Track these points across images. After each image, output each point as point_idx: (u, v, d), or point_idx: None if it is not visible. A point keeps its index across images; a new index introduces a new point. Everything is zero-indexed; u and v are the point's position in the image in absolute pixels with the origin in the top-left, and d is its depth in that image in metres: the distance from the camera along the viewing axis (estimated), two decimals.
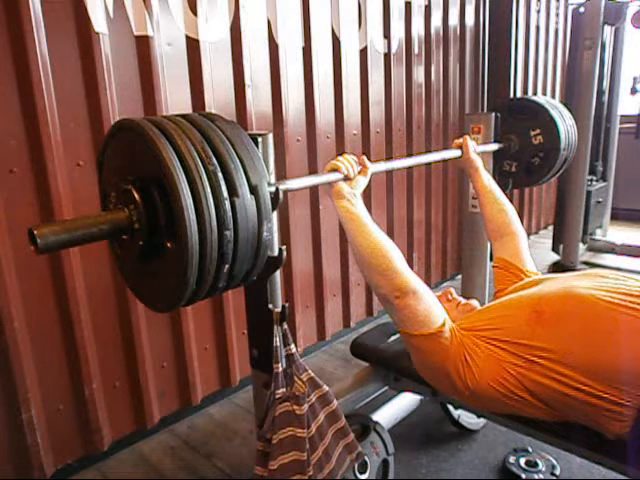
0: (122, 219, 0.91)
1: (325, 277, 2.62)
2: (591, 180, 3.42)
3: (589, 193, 3.34)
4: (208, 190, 0.86)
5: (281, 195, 1.04)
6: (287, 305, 1.13)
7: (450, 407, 1.92)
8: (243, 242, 0.92)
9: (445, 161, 3.03)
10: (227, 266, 0.91)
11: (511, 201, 1.64)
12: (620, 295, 1.09)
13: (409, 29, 2.88)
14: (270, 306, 1.14)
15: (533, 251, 1.52)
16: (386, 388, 1.74)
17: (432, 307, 1.19)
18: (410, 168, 3.04)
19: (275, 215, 1.05)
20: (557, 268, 3.42)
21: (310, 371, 1.18)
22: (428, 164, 3.16)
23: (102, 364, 1.82)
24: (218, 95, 2.01)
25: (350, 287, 2.79)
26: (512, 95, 3.50)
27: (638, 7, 3.60)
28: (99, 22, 1.62)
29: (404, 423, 1.87)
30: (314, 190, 2.47)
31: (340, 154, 1.28)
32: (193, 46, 1.90)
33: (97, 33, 1.62)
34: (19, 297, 1.58)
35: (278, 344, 1.12)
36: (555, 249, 3.57)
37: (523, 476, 1.72)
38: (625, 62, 3.62)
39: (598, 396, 1.04)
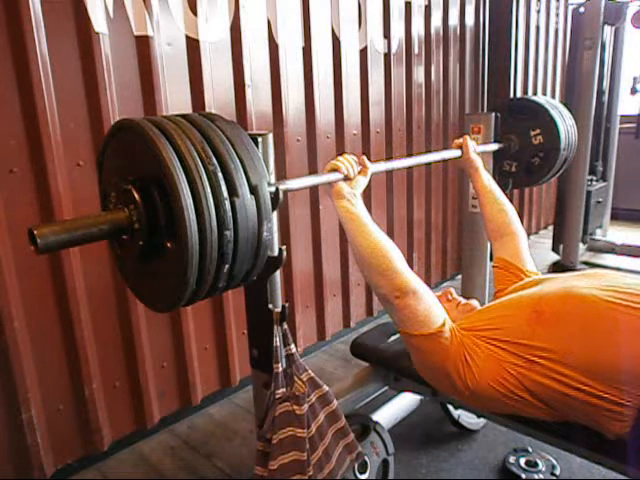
0: (122, 219, 0.91)
1: (325, 277, 2.62)
2: (591, 180, 3.42)
3: (589, 193, 3.34)
4: (208, 190, 0.86)
5: (281, 195, 1.04)
6: (287, 305, 1.13)
7: (450, 407, 1.92)
8: (243, 242, 0.92)
9: (445, 161, 3.03)
10: (227, 266, 0.91)
11: (511, 201, 1.64)
12: (620, 295, 1.09)
13: (409, 29, 2.88)
14: (270, 306, 1.14)
15: (533, 251, 1.52)
16: (386, 388, 1.74)
17: (432, 307, 1.19)
18: (410, 168, 3.04)
19: (275, 215, 1.05)
20: (557, 268, 3.42)
21: (310, 371, 1.18)
22: (428, 164, 3.16)
23: (102, 364, 1.82)
24: (218, 95, 2.01)
25: (350, 287, 2.79)
26: (512, 95, 3.50)
27: (638, 7, 3.60)
28: (99, 22, 1.62)
29: (404, 423, 1.87)
30: (314, 190, 2.46)
31: (340, 154, 1.28)
32: (193, 46, 1.90)
33: (97, 33, 1.62)
34: (19, 297, 1.58)
35: (278, 344, 1.12)
36: (555, 249, 3.57)
37: (523, 476, 1.72)
38: (625, 62, 3.62)
39: (598, 396, 1.04)
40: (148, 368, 1.94)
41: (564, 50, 4.46)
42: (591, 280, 1.18)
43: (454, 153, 1.68)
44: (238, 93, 2.08)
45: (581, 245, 3.52)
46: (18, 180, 1.54)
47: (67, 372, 1.74)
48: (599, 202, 3.51)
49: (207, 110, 1.95)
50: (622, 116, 3.90)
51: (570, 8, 4.10)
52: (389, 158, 2.81)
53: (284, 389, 1.12)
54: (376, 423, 1.62)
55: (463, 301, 1.43)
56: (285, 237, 2.36)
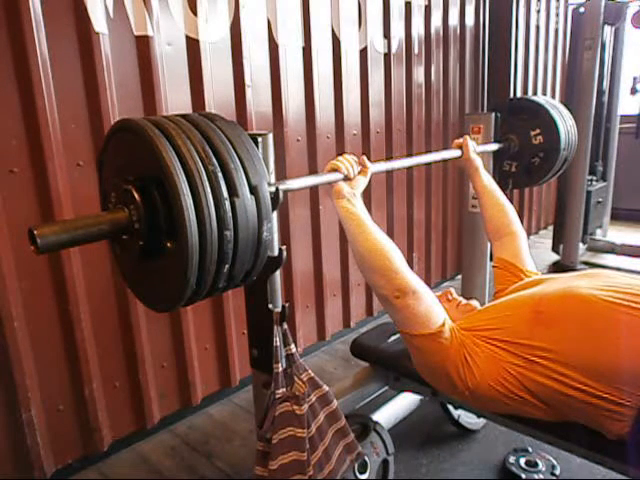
0: (122, 219, 0.91)
1: (325, 277, 2.62)
2: (591, 180, 3.42)
3: (589, 193, 3.34)
4: (208, 190, 0.86)
5: (281, 195, 1.04)
6: (287, 305, 1.13)
7: (450, 407, 1.92)
8: (243, 242, 0.92)
9: (445, 161, 3.03)
10: (227, 266, 0.91)
11: (511, 201, 1.64)
12: (620, 295, 1.09)
13: (409, 29, 2.88)
14: (270, 306, 1.14)
15: (533, 251, 1.52)
16: (386, 388, 1.73)
17: (432, 307, 1.19)
18: (410, 168, 3.04)
19: (275, 215, 1.05)
20: (557, 268, 3.42)
21: (310, 371, 1.18)
22: (428, 164, 3.16)
23: (102, 364, 1.82)
24: (218, 95, 2.01)
25: (350, 287, 2.79)
26: (512, 95, 3.49)
27: (638, 7, 3.60)
28: (99, 22, 1.62)
29: (404, 423, 1.87)
30: (314, 190, 2.46)
31: (340, 154, 1.28)
32: (193, 46, 1.90)
33: (97, 33, 1.62)
34: (19, 297, 1.57)
35: (278, 344, 1.12)
36: (555, 249, 3.57)
37: (523, 476, 1.72)
38: (625, 62, 3.63)
39: (598, 396, 1.04)
40: (148, 368, 1.94)
41: (564, 50, 4.46)
42: (591, 280, 1.18)
43: (454, 153, 1.68)
44: (238, 93, 2.08)
45: (581, 245, 3.52)
46: (18, 180, 1.54)
47: (67, 372, 1.74)
48: (599, 202, 3.51)
49: (207, 110, 1.95)
50: (622, 116, 3.90)
51: (570, 8, 4.09)
52: (389, 158, 2.81)
53: (284, 389, 1.12)
54: (376, 423, 1.62)
55: (463, 301, 1.43)
56: (285, 237, 2.36)
